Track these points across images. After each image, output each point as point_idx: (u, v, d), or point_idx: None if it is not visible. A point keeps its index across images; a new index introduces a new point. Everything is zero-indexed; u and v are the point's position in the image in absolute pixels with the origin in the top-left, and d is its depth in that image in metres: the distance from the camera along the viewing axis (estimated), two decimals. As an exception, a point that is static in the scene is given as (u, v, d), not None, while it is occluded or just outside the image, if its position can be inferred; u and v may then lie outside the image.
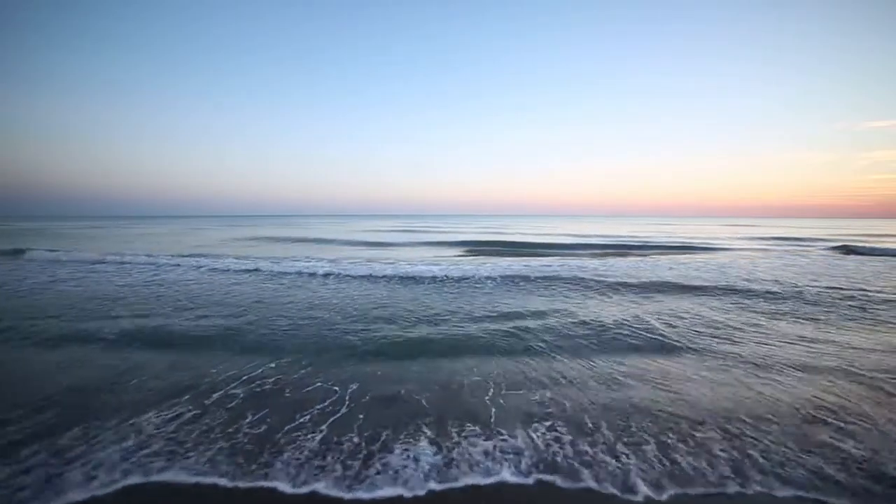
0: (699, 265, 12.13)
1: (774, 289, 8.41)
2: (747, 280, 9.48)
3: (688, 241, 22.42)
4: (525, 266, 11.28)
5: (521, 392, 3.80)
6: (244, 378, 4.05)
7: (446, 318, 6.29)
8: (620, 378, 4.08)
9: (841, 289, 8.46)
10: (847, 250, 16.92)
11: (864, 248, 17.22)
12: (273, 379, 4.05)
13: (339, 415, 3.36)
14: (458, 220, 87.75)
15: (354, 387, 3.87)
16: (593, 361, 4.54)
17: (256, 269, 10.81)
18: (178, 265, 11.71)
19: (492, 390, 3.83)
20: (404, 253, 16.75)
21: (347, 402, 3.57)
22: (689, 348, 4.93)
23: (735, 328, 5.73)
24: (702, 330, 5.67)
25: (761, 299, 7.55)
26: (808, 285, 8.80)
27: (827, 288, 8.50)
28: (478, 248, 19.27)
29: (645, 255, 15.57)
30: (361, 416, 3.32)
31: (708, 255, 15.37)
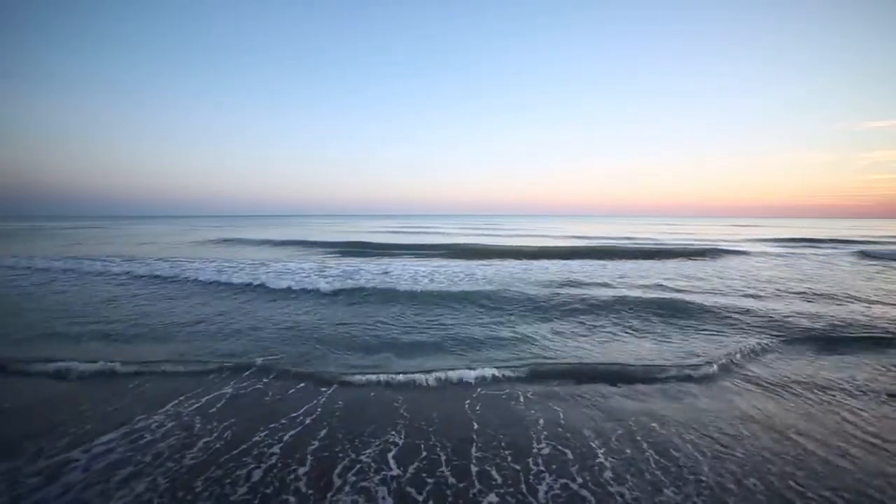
0: (708, 272, 11.35)
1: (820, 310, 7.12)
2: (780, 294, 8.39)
3: (692, 242, 21.61)
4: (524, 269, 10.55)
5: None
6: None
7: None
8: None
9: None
10: (866, 255, 16.10)
11: (884, 252, 16.42)
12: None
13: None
14: (455, 220, 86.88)
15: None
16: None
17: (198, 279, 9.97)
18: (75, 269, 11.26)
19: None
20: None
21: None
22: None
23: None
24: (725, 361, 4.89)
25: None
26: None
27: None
28: (458, 250, 18.12)
29: (633, 259, 14.65)
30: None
31: (719, 261, 14.50)
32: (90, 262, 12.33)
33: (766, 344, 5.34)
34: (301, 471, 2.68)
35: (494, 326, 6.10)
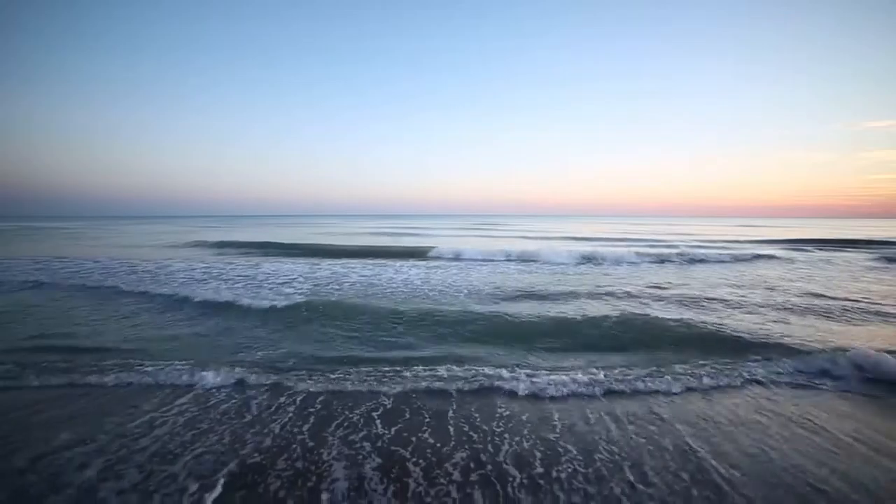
0: (733, 280, 10.92)
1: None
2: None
3: (705, 243, 21.10)
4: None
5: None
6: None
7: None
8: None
9: None
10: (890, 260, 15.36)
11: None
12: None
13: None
14: (454, 219, 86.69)
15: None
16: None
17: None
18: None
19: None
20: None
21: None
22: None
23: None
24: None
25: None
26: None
27: None
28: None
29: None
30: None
31: (734, 267, 13.98)
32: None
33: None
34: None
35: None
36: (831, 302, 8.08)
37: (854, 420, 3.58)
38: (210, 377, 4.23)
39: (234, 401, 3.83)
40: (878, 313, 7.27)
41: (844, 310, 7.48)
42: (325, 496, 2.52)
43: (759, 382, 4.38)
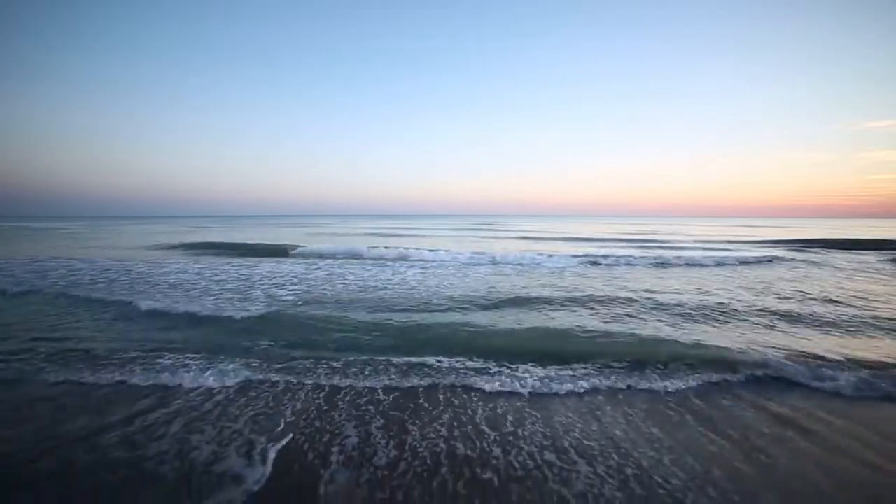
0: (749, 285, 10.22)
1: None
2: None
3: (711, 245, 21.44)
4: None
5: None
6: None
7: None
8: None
9: None
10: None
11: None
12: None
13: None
14: (453, 220, 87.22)
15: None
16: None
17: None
18: None
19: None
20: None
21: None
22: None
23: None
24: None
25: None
26: None
27: None
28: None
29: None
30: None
31: (745, 270, 13.47)
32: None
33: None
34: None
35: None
36: (830, 306, 8.22)
37: (849, 424, 3.75)
38: (219, 373, 4.87)
39: (244, 391, 4.50)
40: (876, 318, 7.35)
41: (844, 314, 7.60)
42: (337, 447, 3.43)
43: (754, 384, 4.62)
